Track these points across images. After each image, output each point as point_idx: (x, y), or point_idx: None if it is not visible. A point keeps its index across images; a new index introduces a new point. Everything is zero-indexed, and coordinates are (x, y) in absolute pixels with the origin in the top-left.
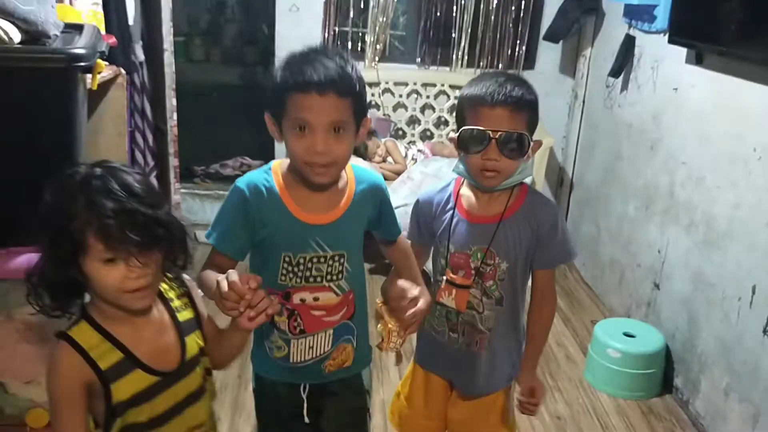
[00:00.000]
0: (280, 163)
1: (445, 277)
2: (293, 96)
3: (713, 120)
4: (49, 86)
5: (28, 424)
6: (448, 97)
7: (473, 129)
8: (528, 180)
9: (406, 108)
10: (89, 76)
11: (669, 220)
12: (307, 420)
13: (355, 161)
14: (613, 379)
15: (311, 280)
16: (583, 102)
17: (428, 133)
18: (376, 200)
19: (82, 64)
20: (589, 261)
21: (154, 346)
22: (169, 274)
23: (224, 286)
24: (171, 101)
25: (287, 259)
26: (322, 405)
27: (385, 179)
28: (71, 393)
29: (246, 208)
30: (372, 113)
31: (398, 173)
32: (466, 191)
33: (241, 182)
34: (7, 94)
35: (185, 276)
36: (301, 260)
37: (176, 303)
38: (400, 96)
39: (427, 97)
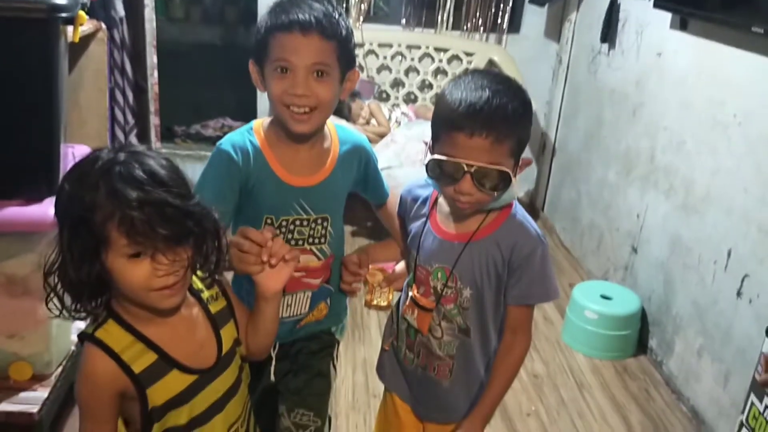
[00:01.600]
0: (261, 122)
1: (410, 293)
2: (276, 36)
3: (695, 86)
4: (30, 37)
5: (11, 376)
6: (433, 59)
7: (444, 161)
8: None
9: (390, 70)
10: (70, 28)
11: (649, 185)
12: (272, 378)
13: (338, 122)
14: (590, 340)
15: (292, 242)
16: (567, 67)
17: (412, 96)
18: (360, 161)
19: (64, 14)
20: (569, 225)
21: (188, 343)
22: (200, 273)
23: (243, 241)
24: (152, 58)
25: (269, 221)
26: (289, 352)
27: (369, 142)
28: (102, 403)
29: (232, 169)
30: None
31: (382, 136)
32: (442, 200)
33: (226, 144)
34: None
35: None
36: (284, 222)
37: (206, 294)
38: (385, 58)
39: (412, 59)
